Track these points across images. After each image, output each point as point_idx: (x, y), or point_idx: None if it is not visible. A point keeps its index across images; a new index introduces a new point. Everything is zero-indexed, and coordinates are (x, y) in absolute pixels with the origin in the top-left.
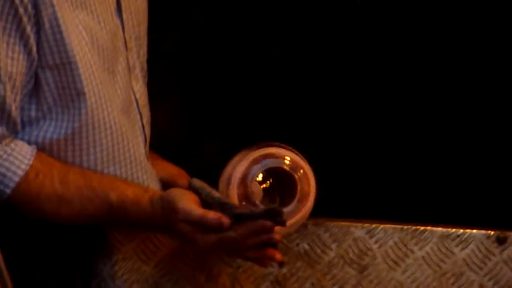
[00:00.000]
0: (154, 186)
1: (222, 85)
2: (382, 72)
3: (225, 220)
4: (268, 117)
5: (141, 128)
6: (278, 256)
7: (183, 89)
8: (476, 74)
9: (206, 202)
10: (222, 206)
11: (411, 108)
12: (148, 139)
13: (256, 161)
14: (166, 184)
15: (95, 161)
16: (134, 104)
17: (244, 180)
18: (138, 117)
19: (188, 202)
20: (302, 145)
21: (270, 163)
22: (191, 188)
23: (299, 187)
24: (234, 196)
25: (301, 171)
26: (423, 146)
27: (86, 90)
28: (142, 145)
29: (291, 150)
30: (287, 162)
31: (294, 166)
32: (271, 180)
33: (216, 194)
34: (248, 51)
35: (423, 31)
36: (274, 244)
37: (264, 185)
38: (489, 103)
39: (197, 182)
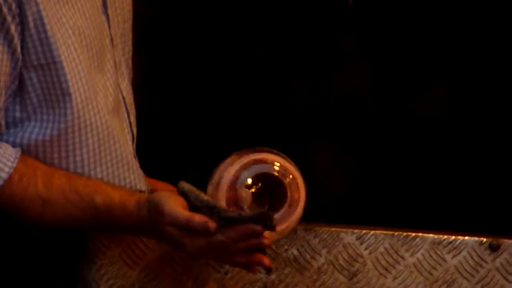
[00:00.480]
0: (142, 186)
1: (212, 88)
2: (374, 75)
3: (211, 224)
4: (257, 120)
5: (129, 126)
6: (267, 261)
7: (173, 91)
8: (470, 80)
9: (194, 206)
10: (211, 210)
11: (403, 115)
12: (135, 137)
13: (245, 166)
14: None
15: (82, 162)
16: (122, 102)
17: (233, 185)
18: (126, 115)
19: (174, 205)
20: (291, 149)
21: (259, 168)
22: (179, 191)
23: (288, 193)
24: (223, 200)
25: (291, 176)
26: (415, 152)
27: (71, 90)
28: (130, 143)
29: (280, 155)
30: (276, 167)
31: (284, 171)
32: (260, 186)
33: (205, 197)
34: (238, 53)
35: (416, 32)
36: (262, 249)
37: (253, 190)
38: (481, 110)
39: (185, 185)
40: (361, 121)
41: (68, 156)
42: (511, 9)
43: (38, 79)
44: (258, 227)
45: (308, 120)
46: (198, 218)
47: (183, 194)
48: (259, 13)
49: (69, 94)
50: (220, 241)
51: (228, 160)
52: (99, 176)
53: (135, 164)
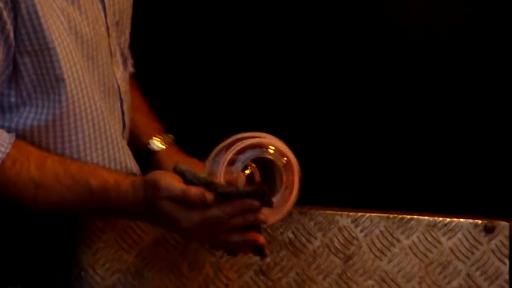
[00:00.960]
0: (136, 171)
1: (207, 76)
2: (367, 63)
3: (208, 195)
4: (252, 105)
5: (121, 115)
6: (262, 239)
7: (170, 82)
8: (461, 66)
9: (192, 183)
10: (208, 186)
11: (395, 96)
12: (127, 125)
13: (241, 151)
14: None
15: (78, 148)
16: (117, 90)
17: (229, 169)
18: (119, 103)
19: (171, 180)
20: (286, 133)
21: (255, 152)
22: (175, 171)
23: (284, 177)
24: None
25: (285, 159)
26: (409, 134)
27: (65, 76)
28: (120, 131)
29: (275, 139)
30: (271, 151)
31: (278, 155)
32: (254, 170)
33: (201, 175)
34: (235, 45)
35: (416, 25)
36: (258, 228)
37: (246, 174)
38: (475, 94)
39: (182, 166)
40: (353, 101)
41: (64, 141)
42: None
43: (32, 65)
44: (255, 202)
45: (301, 102)
46: (194, 189)
47: (180, 173)
48: (255, 4)
49: (63, 80)
50: (216, 215)
51: (222, 145)
52: (95, 161)
53: (128, 149)
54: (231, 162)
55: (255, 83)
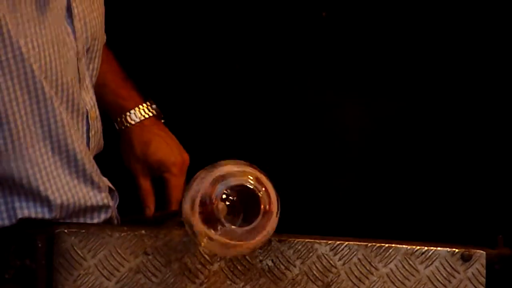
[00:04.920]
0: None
1: (185, 99)
2: (344, 88)
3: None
4: (230, 132)
5: (86, 139)
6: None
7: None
8: (450, 86)
9: None
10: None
11: (371, 123)
12: (93, 150)
13: (220, 179)
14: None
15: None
16: (84, 115)
17: (209, 198)
18: (85, 128)
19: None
20: (264, 161)
21: (233, 181)
22: None
23: (262, 206)
24: (196, 215)
25: (263, 189)
26: (386, 162)
27: (4, 121)
28: (87, 155)
29: (252, 167)
30: (250, 180)
31: (257, 183)
32: (234, 198)
33: None
34: (212, 64)
35: (388, 45)
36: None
37: (228, 202)
38: (449, 115)
39: None
40: (330, 129)
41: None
42: None
43: None
44: None
45: (280, 130)
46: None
47: None
48: (232, 24)
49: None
50: None
51: (201, 174)
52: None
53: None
54: (212, 191)
55: (232, 111)
